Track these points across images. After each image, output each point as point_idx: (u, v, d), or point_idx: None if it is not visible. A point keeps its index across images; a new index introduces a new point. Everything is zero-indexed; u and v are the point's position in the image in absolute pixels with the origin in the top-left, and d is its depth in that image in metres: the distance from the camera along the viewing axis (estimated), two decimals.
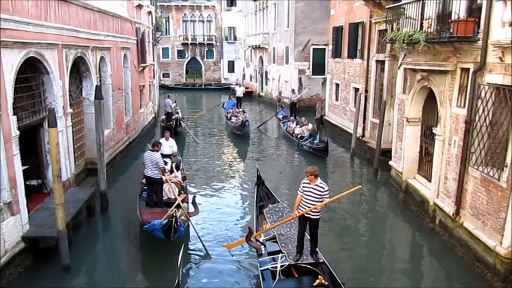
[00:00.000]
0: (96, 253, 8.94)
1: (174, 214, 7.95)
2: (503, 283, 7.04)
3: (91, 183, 11.31)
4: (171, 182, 10.08)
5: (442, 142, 9.31)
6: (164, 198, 9.81)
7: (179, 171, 11.71)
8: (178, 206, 8.71)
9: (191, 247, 8.94)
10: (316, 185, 6.93)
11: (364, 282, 7.72)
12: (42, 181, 9.71)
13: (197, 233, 8.90)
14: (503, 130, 7.20)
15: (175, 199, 9.23)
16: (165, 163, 10.47)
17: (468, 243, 8.10)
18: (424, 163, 10.89)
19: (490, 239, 7.40)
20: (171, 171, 11.05)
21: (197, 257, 8.58)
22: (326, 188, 6.94)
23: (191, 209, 9.27)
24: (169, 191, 9.98)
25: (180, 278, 5.81)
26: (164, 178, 9.71)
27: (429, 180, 10.13)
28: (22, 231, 7.78)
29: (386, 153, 13.29)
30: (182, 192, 10.36)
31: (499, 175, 7.23)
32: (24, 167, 8.27)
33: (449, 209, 8.84)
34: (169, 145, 12.97)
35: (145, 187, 10.22)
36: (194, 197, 9.63)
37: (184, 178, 11.48)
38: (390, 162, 12.46)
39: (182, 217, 8.62)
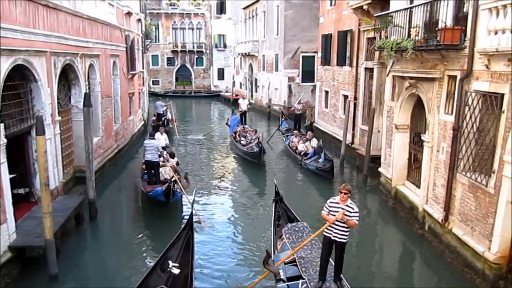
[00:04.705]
0: (84, 262, 8.83)
1: (172, 181, 10.48)
2: None
3: (80, 192, 11.18)
4: (168, 165, 12.45)
5: (430, 148, 9.40)
6: (161, 179, 12.00)
7: (174, 158, 13.71)
8: (174, 182, 10.66)
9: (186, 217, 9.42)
10: (347, 205, 6.41)
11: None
12: (30, 190, 9.58)
13: (189, 201, 10.26)
14: (490, 137, 7.30)
15: (171, 178, 11.18)
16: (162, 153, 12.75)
17: (457, 248, 8.16)
18: (413, 170, 10.97)
19: (479, 244, 7.46)
20: (171, 157, 13.38)
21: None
22: (356, 209, 6.45)
23: (185, 185, 11.57)
24: (166, 172, 12.35)
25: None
26: (161, 162, 12.11)
27: (418, 187, 10.20)
28: (9, 241, 7.66)
29: (376, 160, 13.35)
30: (176, 173, 12.26)
31: (486, 181, 7.31)
32: (11, 176, 8.15)
33: (438, 215, 8.91)
34: (164, 138, 15.01)
35: (145, 171, 12.48)
36: (186, 173, 12.25)
37: (177, 164, 13.67)
38: (380, 169, 12.53)
39: (177, 190, 10.78)
